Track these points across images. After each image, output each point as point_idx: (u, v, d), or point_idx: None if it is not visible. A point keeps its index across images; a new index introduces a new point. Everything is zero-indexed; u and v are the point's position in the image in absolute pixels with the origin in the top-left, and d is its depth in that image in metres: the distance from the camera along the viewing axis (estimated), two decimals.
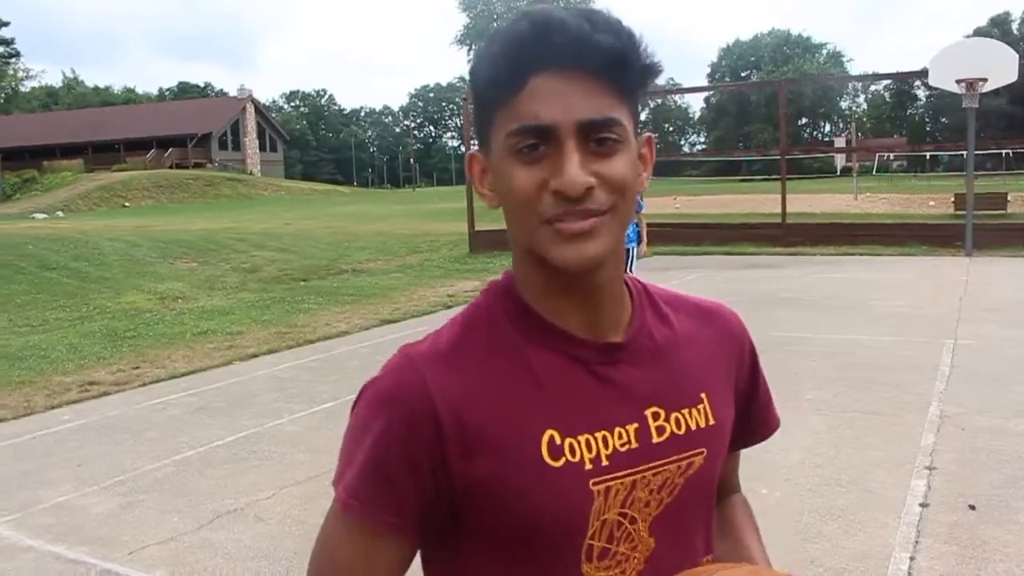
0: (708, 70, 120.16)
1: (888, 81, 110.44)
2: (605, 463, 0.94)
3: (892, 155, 68.35)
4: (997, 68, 16.60)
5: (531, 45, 0.88)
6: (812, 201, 34.92)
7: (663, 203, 36.46)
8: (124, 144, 63.64)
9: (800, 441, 5.71)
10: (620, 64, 0.89)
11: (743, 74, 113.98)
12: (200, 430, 6.53)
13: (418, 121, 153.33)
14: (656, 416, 0.98)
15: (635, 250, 10.00)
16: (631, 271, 9.53)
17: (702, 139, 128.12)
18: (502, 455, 0.91)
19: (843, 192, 41.60)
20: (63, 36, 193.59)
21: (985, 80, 16.45)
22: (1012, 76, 16.75)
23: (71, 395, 7.80)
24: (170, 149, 62.85)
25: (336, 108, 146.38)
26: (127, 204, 49.51)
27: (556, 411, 0.93)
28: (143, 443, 6.29)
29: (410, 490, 0.91)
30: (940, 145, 71.00)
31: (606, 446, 0.94)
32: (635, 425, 0.97)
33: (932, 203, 33.44)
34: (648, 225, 11.50)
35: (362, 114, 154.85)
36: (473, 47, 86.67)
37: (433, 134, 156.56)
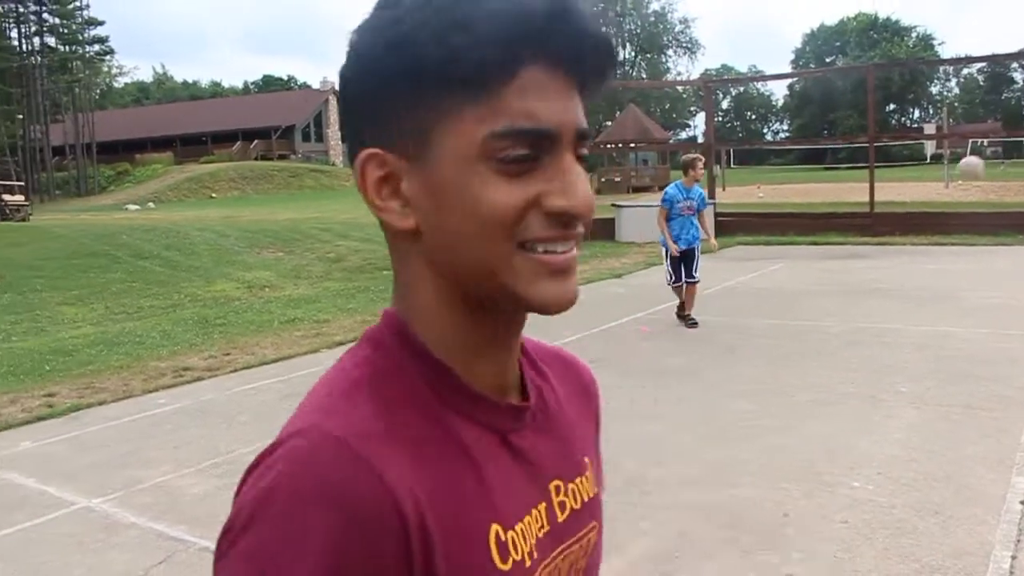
0: (792, 56, 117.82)
1: (982, 64, 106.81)
2: (536, 555, 0.76)
3: (986, 141, 65.95)
4: None
5: (539, 24, 0.67)
6: (901, 189, 34.00)
7: (746, 192, 35.93)
8: (211, 137, 65.38)
9: (893, 435, 5.59)
10: (611, 69, 0.73)
11: (828, 60, 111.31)
12: (290, 415, 6.67)
13: None
14: (558, 490, 0.81)
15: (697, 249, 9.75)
16: (695, 275, 9.42)
17: (785, 127, 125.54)
18: (454, 566, 0.68)
19: (933, 180, 40.39)
20: (154, 33, 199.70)
21: None
22: None
23: (166, 380, 8.06)
24: (255, 141, 64.30)
25: None
26: (214, 195, 50.87)
27: (495, 499, 0.73)
28: (236, 427, 6.47)
29: None
30: None
31: (530, 534, 0.76)
32: (544, 503, 0.79)
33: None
34: (729, 215, 11.32)
35: None
36: None
37: None
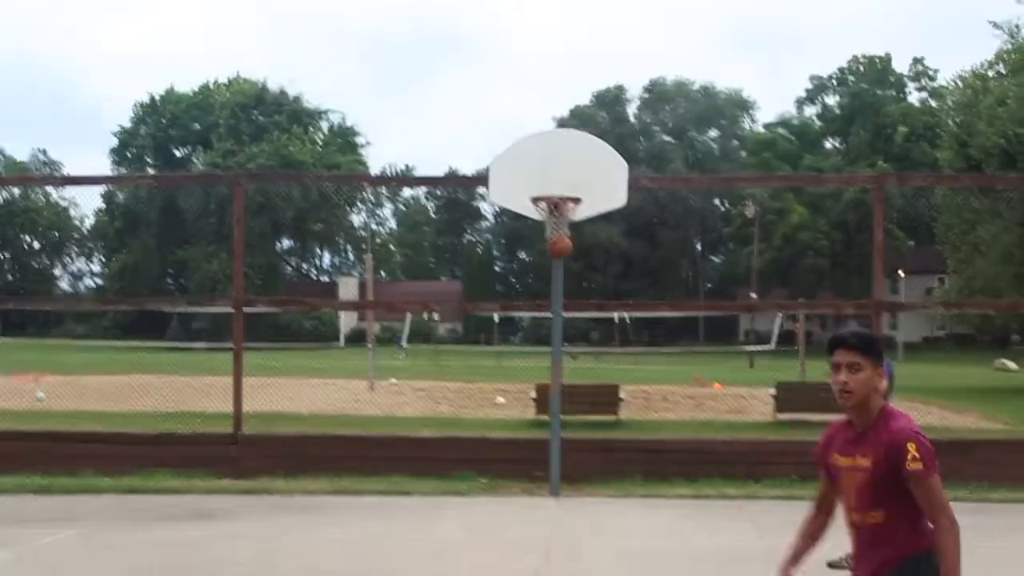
0: (114, 142, 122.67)
1: (434, 188, 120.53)
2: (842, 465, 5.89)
3: (436, 315, 73.58)
4: (597, 182, 18.49)
5: None
6: (298, 391, 36.34)
7: (12, 388, 35.72)
8: None
9: None
10: None
11: (178, 154, 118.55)
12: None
13: None
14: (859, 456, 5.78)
15: None
16: None
17: (97, 267, 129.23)
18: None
19: (353, 376, 43.71)
20: None
21: (578, 201, 18.22)
22: (619, 197, 18.81)
23: None
24: None
25: None
26: None
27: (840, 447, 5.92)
28: None
29: None
30: (509, 302, 77.78)
31: (843, 462, 5.90)
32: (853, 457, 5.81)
33: (501, 399, 36.32)
34: None
35: None
36: None
37: None
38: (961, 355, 79.58)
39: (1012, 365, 66.36)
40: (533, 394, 29.29)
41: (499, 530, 15.71)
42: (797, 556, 6.08)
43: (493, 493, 18.79)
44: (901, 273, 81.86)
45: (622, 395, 30.33)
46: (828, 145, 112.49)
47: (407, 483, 19.02)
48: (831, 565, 13.07)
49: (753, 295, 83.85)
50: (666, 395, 39.13)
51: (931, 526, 5.55)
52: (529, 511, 17.35)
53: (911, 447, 5.41)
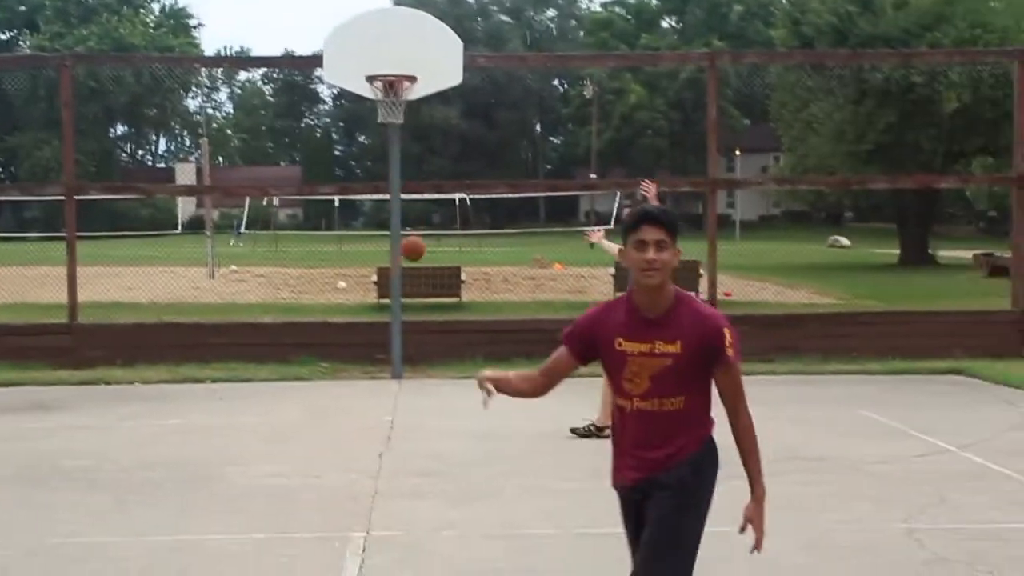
0: None
1: (270, 69, 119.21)
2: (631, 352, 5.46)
3: (276, 199, 72.85)
4: (432, 60, 18.55)
5: None
6: (136, 280, 35.84)
7: None
8: None
9: None
10: None
11: (3, 36, 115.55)
12: None
13: None
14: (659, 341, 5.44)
15: None
16: None
17: None
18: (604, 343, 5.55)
19: (192, 263, 43.37)
20: None
21: (414, 79, 18.26)
22: (454, 75, 18.90)
23: None
24: None
25: None
26: None
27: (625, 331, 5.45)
28: None
29: None
30: (347, 185, 77.55)
31: (633, 348, 5.41)
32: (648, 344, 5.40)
33: (343, 284, 36.30)
34: None
35: None
36: None
37: None
38: (796, 232, 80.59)
39: (845, 241, 67.84)
40: (374, 278, 29.38)
41: (341, 413, 15.82)
42: (501, 379, 5.61)
43: (335, 377, 18.90)
44: (737, 152, 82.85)
45: (463, 277, 30.51)
46: (665, 24, 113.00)
47: (248, 370, 19.08)
48: (575, 431, 13.41)
49: (593, 175, 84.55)
50: (507, 276, 39.41)
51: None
52: (371, 394, 17.49)
53: (727, 334, 5.27)
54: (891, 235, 59.52)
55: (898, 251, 53.18)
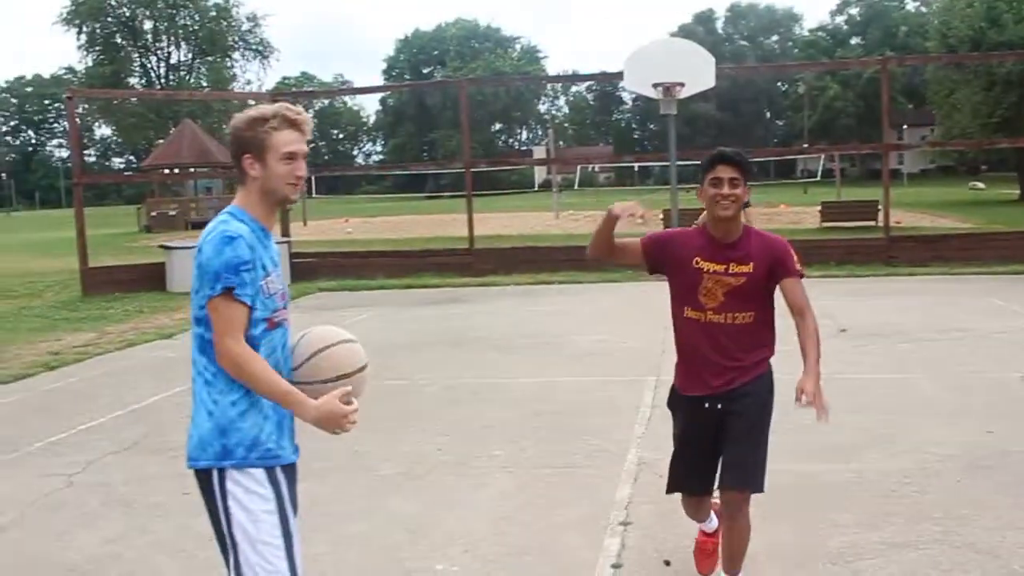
0: (384, 65, 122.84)
1: (591, 83, 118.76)
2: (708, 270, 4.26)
3: (597, 167, 73.18)
4: (694, 72, 18.45)
5: None
6: (509, 221, 36.61)
7: (331, 226, 36.73)
8: None
9: (482, 506, 6.02)
10: None
11: (425, 71, 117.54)
12: None
13: (12, 124, 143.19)
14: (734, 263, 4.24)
15: None
16: None
17: (379, 148, 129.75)
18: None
19: (543, 209, 43.89)
20: None
21: (682, 85, 18.21)
22: (709, 81, 18.72)
23: None
24: None
25: None
26: None
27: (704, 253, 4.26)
28: None
29: None
30: (642, 156, 77.19)
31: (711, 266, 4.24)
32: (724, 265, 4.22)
33: (640, 221, 36.16)
34: (307, 256, 11.59)
35: None
36: (84, 27, 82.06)
37: (34, 141, 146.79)
38: (946, 180, 77.36)
39: (981, 185, 64.34)
40: (660, 215, 25.04)
41: (641, 303, 15.81)
42: (614, 220, 4.26)
43: (638, 280, 18.89)
44: (904, 126, 79.41)
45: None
46: (853, 42, 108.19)
47: (580, 276, 19.27)
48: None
49: (806, 145, 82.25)
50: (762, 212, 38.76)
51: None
52: (663, 290, 17.46)
53: (792, 253, 4.25)
54: (1013, 181, 56.21)
55: (1018, 191, 50.53)
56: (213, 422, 3.12)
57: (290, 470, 3.29)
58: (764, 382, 4.27)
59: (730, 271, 4.16)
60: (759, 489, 4.26)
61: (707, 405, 4.26)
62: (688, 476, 4.46)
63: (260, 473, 3.15)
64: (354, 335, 3.35)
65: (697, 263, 4.20)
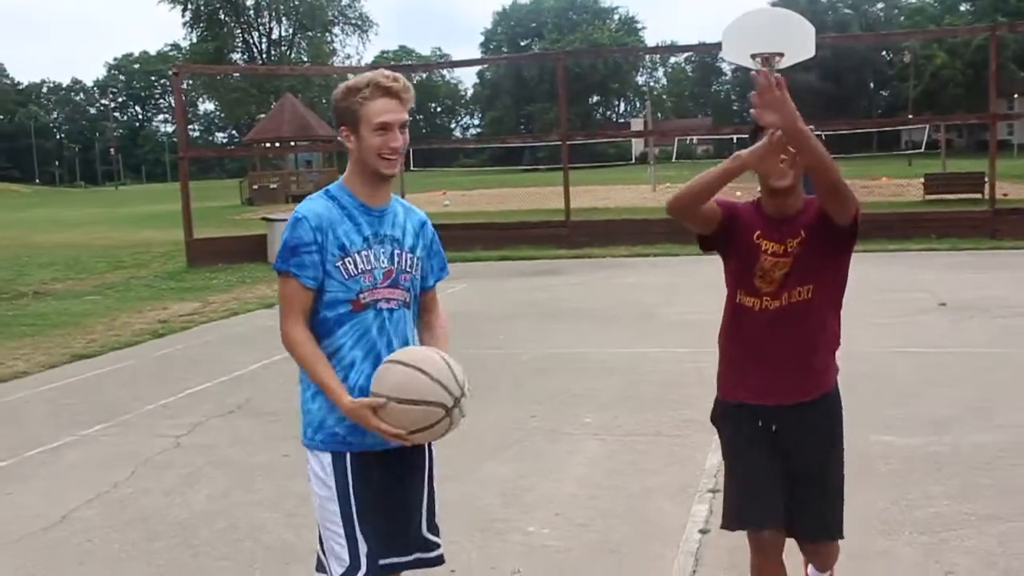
0: (481, 39, 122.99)
1: (690, 54, 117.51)
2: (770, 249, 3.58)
3: (695, 139, 72.49)
4: (794, 41, 18.18)
5: None
6: (607, 193, 36.54)
7: (429, 199, 37.06)
8: None
9: (574, 471, 6.17)
10: None
11: (523, 44, 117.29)
12: None
13: (120, 100, 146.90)
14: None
15: None
16: None
17: (477, 121, 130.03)
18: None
19: (640, 182, 43.67)
20: None
21: (782, 55, 17.95)
22: (809, 51, 18.41)
23: None
24: None
25: (6, 82, 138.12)
26: None
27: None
28: None
29: None
30: (741, 128, 76.09)
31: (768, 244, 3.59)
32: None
33: (739, 193, 35.85)
34: None
35: (44, 90, 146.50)
36: (189, 4, 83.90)
37: (140, 116, 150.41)
38: None
39: None
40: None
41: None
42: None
43: None
44: (1016, 95, 76.82)
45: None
46: (963, 8, 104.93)
47: (676, 248, 19.23)
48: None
49: (910, 116, 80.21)
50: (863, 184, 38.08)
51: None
52: None
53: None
54: None
55: None
56: (300, 401, 3.27)
57: (377, 458, 3.15)
58: (829, 406, 3.64)
59: (788, 250, 3.48)
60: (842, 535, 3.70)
61: (760, 423, 3.57)
62: (750, 501, 3.56)
63: (327, 457, 3.11)
64: (442, 375, 3.06)
65: (757, 237, 3.55)
